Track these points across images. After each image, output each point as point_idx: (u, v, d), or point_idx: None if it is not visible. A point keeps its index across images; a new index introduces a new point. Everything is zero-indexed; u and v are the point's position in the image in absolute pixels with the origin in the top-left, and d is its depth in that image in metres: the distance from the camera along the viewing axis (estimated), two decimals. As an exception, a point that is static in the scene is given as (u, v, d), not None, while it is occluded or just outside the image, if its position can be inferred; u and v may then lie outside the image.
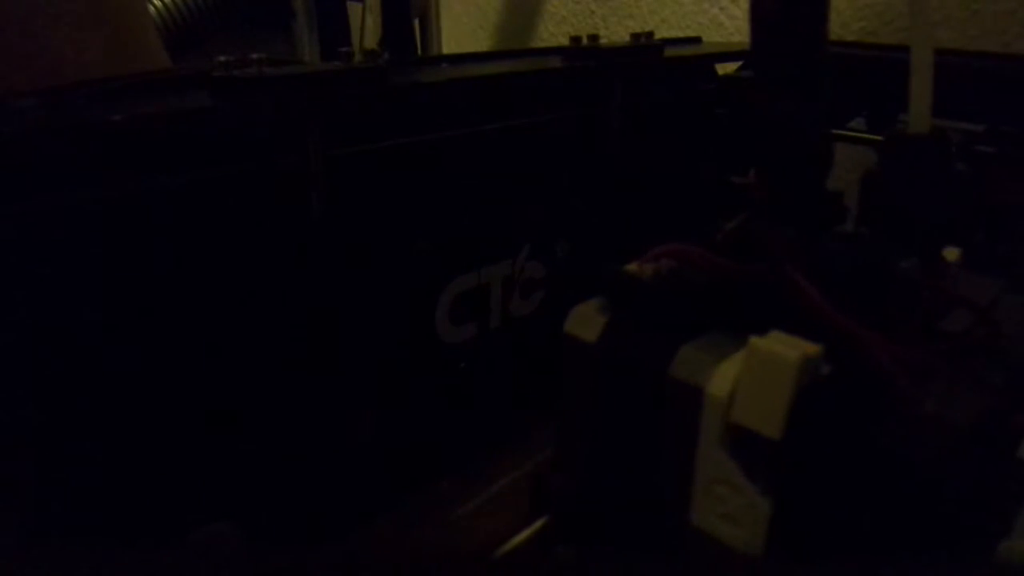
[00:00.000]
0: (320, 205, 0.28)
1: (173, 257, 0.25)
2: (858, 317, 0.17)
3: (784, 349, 0.16)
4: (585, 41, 0.37)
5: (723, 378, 0.17)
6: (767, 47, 0.20)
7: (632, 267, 0.20)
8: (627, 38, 0.39)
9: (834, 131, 0.26)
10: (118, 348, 0.25)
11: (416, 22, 0.84)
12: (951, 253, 0.22)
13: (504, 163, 0.35)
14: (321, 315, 0.30)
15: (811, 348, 0.16)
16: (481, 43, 0.95)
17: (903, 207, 0.21)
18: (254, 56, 0.26)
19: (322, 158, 0.27)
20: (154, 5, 0.72)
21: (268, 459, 0.29)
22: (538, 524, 0.22)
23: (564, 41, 0.39)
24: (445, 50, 0.91)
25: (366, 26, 0.76)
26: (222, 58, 0.27)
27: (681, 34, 0.53)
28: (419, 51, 0.82)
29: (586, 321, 0.20)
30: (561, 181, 0.38)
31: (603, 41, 0.38)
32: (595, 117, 0.38)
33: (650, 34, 0.40)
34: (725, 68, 0.47)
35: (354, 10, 0.85)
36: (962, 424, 0.16)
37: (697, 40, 0.51)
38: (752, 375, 0.16)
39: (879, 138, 0.37)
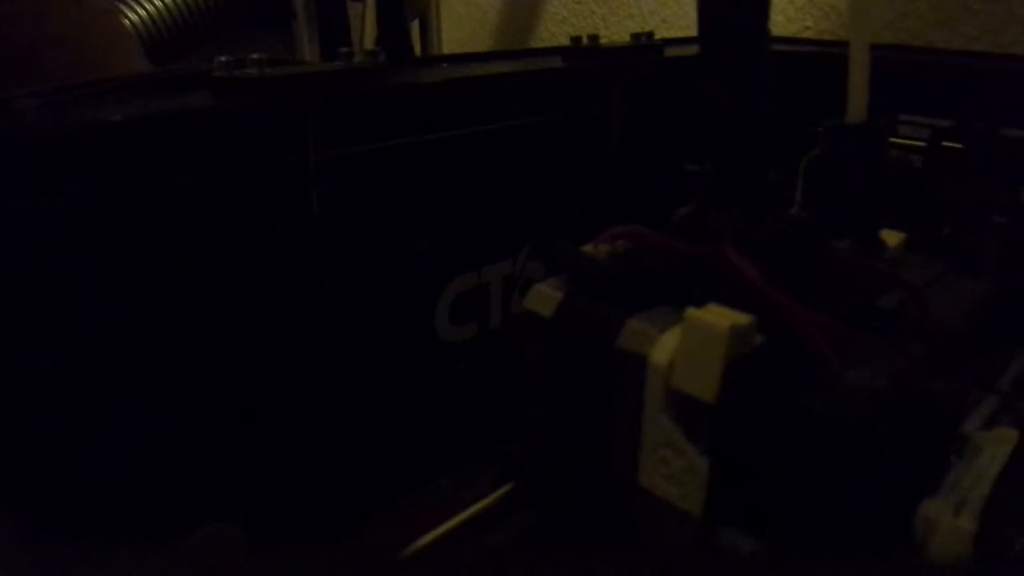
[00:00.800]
0: (320, 205, 0.28)
1: (173, 257, 0.25)
2: (794, 293, 0.18)
3: (716, 319, 0.17)
4: (585, 41, 0.37)
5: (664, 347, 0.18)
6: (712, 43, 0.22)
7: (588, 248, 0.21)
8: (627, 38, 0.39)
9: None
10: (118, 348, 0.25)
11: (416, 22, 0.84)
12: (895, 237, 0.23)
13: (504, 163, 0.35)
14: (321, 315, 0.30)
15: (742, 319, 0.17)
16: (481, 43, 0.95)
17: (840, 191, 0.22)
18: (254, 56, 0.26)
19: (322, 158, 0.27)
20: (154, 5, 0.72)
21: (269, 459, 0.29)
22: (503, 490, 0.24)
23: (564, 41, 0.39)
24: (445, 50, 0.91)
25: (366, 26, 0.76)
26: (222, 58, 0.27)
27: (681, 34, 0.53)
28: (419, 51, 0.82)
29: (543, 298, 0.21)
30: (561, 181, 0.38)
31: (603, 41, 0.38)
32: (595, 117, 0.38)
33: (650, 34, 0.40)
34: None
35: (354, 10, 0.85)
36: (879, 389, 0.17)
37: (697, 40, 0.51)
38: (688, 344, 0.18)
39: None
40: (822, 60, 0.43)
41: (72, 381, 0.24)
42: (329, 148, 0.28)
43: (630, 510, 0.20)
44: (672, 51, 0.41)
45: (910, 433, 0.18)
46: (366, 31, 0.77)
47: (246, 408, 0.28)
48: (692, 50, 0.45)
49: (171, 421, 0.26)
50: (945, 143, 0.35)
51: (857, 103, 0.22)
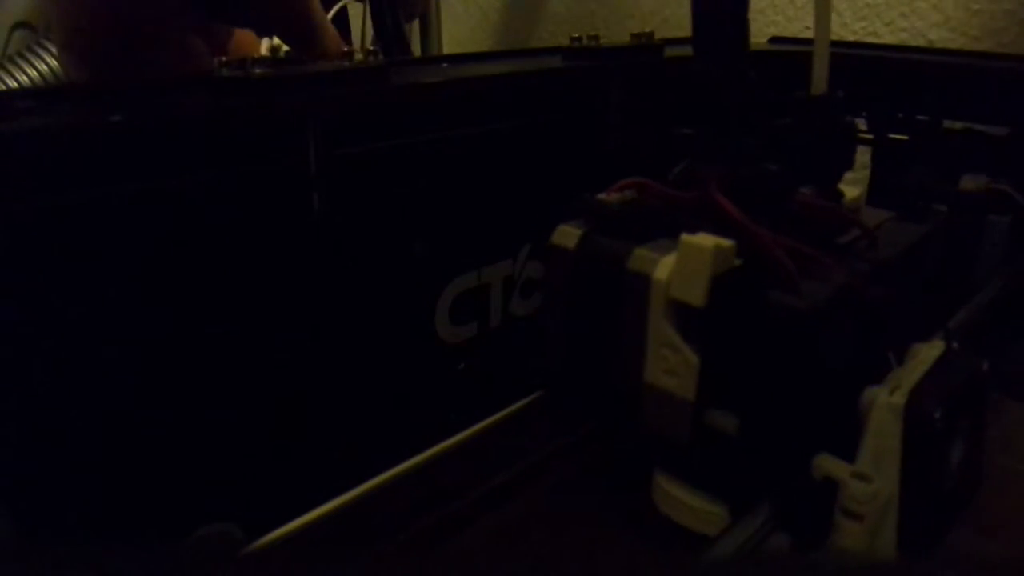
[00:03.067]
0: (320, 205, 0.28)
1: (173, 257, 0.25)
2: (768, 228, 0.23)
3: (704, 241, 0.22)
4: (585, 41, 0.37)
5: (664, 266, 0.23)
6: (702, 30, 0.27)
7: (601, 195, 0.27)
8: (627, 38, 0.39)
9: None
10: (118, 348, 0.25)
11: (416, 22, 0.84)
12: (854, 190, 0.28)
13: (504, 163, 0.35)
14: (321, 315, 0.30)
15: (724, 242, 0.22)
16: (481, 43, 0.95)
17: (804, 149, 0.28)
18: (254, 56, 0.26)
19: (322, 158, 0.27)
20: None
21: (268, 459, 0.29)
22: (522, 403, 0.29)
23: (564, 41, 0.39)
24: (445, 50, 0.91)
25: (366, 26, 0.76)
26: (222, 58, 0.27)
27: (681, 34, 0.53)
28: (419, 51, 0.82)
29: (567, 234, 0.26)
30: (561, 181, 0.38)
31: (603, 41, 0.38)
32: (595, 117, 0.38)
33: (650, 34, 0.40)
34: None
35: (354, 10, 0.85)
36: (830, 291, 0.22)
37: (697, 40, 0.51)
38: (684, 261, 0.22)
39: (872, 137, 0.41)
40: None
41: (71, 381, 0.24)
42: (329, 148, 0.28)
43: (637, 401, 0.25)
44: (672, 51, 0.41)
45: (854, 326, 0.24)
46: (367, 31, 0.77)
47: (246, 408, 0.28)
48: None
49: (171, 421, 0.26)
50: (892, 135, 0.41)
51: (819, 76, 0.27)
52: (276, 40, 0.41)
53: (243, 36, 0.39)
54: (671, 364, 0.23)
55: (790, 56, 0.46)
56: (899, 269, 0.26)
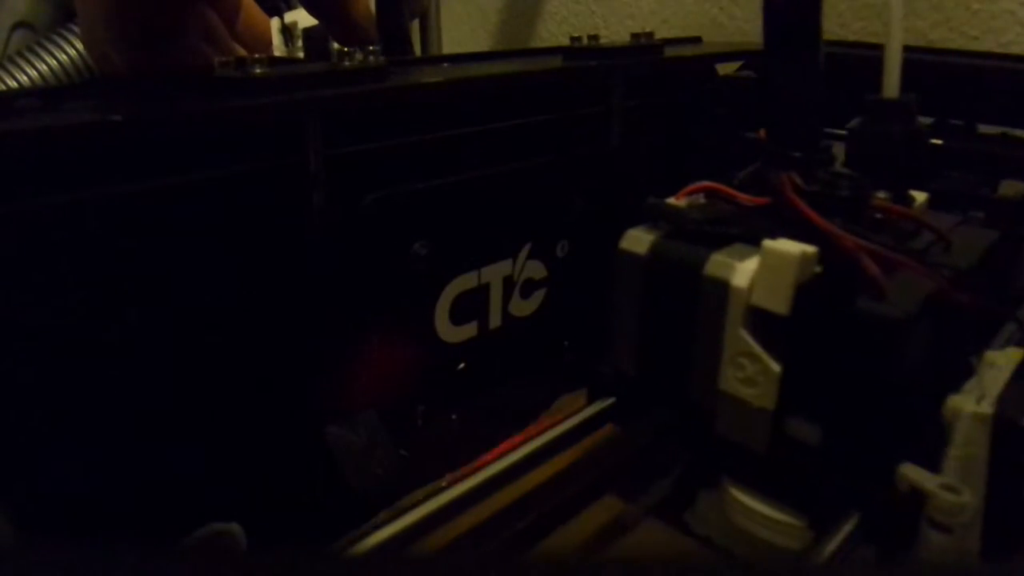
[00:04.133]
0: (320, 205, 0.28)
1: (173, 258, 0.25)
2: (844, 231, 0.23)
3: (789, 247, 0.22)
4: (585, 41, 0.37)
5: (744, 273, 0.23)
6: (774, 34, 0.27)
7: (671, 200, 0.26)
8: (627, 38, 0.39)
9: (835, 130, 0.30)
10: (119, 348, 0.25)
11: (416, 22, 0.84)
12: (921, 195, 0.28)
13: (504, 163, 0.35)
14: (321, 314, 0.30)
15: (808, 248, 0.22)
16: (481, 43, 0.95)
17: (878, 154, 0.27)
18: (254, 56, 0.26)
19: (322, 158, 0.27)
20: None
21: (269, 459, 0.29)
22: (594, 407, 0.28)
23: (564, 41, 0.39)
24: (445, 50, 0.91)
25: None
26: (222, 58, 0.27)
27: (681, 34, 0.53)
28: (419, 51, 0.82)
29: (637, 240, 0.26)
30: (561, 181, 0.38)
31: (603, 41, 0.38)
32: (595, 117, 0.38)
33: (650, 34, 0.40)
34: (725, 68, 0.47)
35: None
36: (920, 300, 0.22)
37: (697, 40, 0.51)
38: (766, 267, 0.22)
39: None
40: (859, 61, 0.43)
41: (72, 381, 0.24)
42: (329, 148, 0.28)
43: (710, 411, 0.24)
44: (672, 51, 0.41)
45: (940, 333, 0.23)
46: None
47: (246, 407, 0.28)
48: (692, 50, 0.45)
49: (171, 421, 0.26)
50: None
51: (892, 81, 0.27)
52: (289, 18, 0.40)
53: (252, 11, 0.38)
54: (749, 373, 0.23)
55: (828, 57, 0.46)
56: (977, 275, 0.25)
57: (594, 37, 0.38)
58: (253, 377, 0.28)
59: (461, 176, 0.33)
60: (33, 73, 0.56)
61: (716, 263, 0.23)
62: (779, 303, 0.22)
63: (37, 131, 0.22)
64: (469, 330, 0.35)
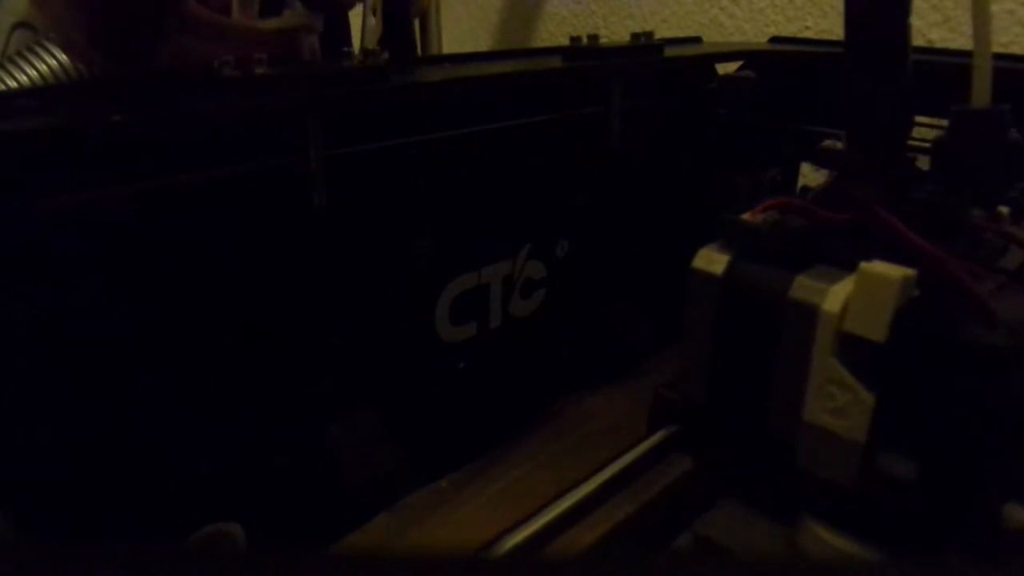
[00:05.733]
0: (321, 205, 0.28)
1: (174, 257, 0.25)
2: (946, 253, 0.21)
3: (889, 270, 0.20)
4: (585, 41, 0.37)
5: (835, 297, 0.21)
6: (859, 37, 0.25)
7: (746, 216, 0.24)
8: (627, 38, 0.39)
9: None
10: (120, 347, 0.25)
11: (416, 22, 0.84)
12: (1004, 210, 0.26)
13: (504, 163, 0.35)
14: (321, 314, 0.30)
15: (909, 271, 0.20)
16: (481, 43, 0.95)
17: (968, 168, 0.25)
18: (254, 56, 0.26)
19: (322, 158, 0.27)
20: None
21: (269, 459, 0.29)
22: (657, 437, 0.26)
23: (564, 41, 0.39)
24: (445, 50, 0.91)
25: (366, 26, 0.76)
26: (223, 58, 0.27)
27: (681, 34, 0.53)
28: (419, 51, 0.82)
29: (712, 259, 0.24)
30: (561, 181, 0.38)
31: (603, 41, 0.38)
32: (595, 117, 0.38)
33: (650, 34, 0.40)
34: (725, 68, 0.47)
35: (354, 10, 0.85)
36: None
37: (697, 40, 0.51)
38: (862, 291, 0.20)
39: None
40: (821, 59, 0.43)
41: (72, 381, 0.24)
42: (329, 148, 0.28)
43: (792, 443, 0.23)
44: (672, 51, 0.41)
45: None
46: (366, 31, 0.77)
47: (246, 407, 0.28)
48: (692, 50, 0.45)
49: (171, 421, 0.26)
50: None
51: (981, 89, 0.25)
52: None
53: None
54: (839, 403, 0.21)
55: (790, 56, 0.46)
56: None
57: (594, 37, 0.37)
58: (253, 376, 0.28)
59: (461, 176, 0.33)
60: (33, 73, 0.56)
61: (803, 286, 0.22)
62: (876, 330, 0.20)
63: (37, 131, 0.22)
64: (469, 330, 0.35)
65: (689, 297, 0.25)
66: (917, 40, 0.61)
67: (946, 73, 0.26)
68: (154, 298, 0.25)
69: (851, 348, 0.21)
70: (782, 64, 0.45)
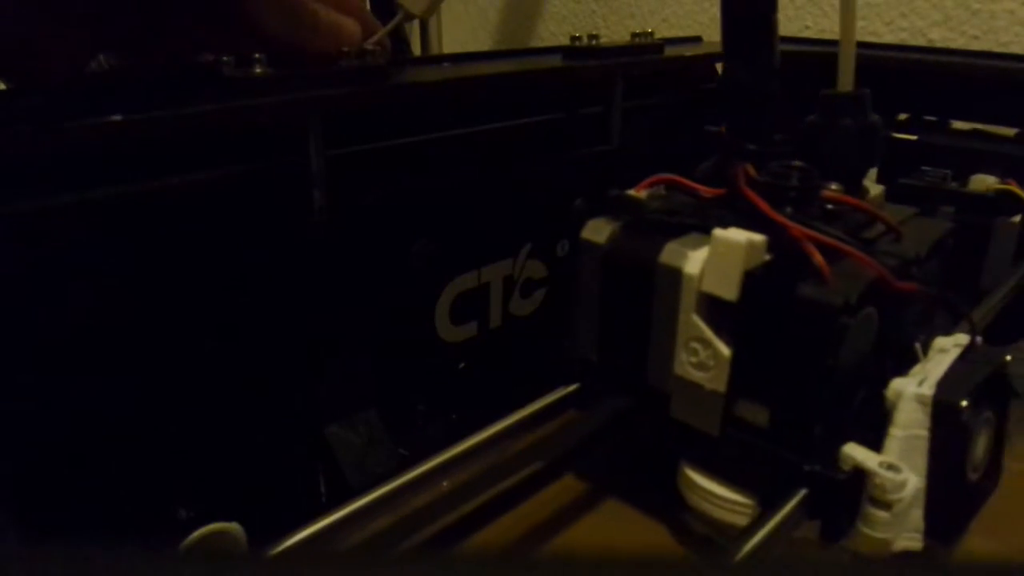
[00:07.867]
0: (321, 205, 0.28)
1: (174, 257, 0.25)
2: (796, 222, 0.24)
3: (737, 235, 0.23)
4: (585, 41, 0.37)
5: (695, 261, 0.23)
6: (732, 29, 0.28)
7: (631, 191, 0.27)
8: (627, 38, 0.39)
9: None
10: (119, 347, 0.25)
11: (416, 22, 0.84)
12: (876, 188, 0.29)
13: (504, 163, 0.35)
14: (321, 314, 0.30)
15: (756, 236, 0.23)
16: (481, 43, 0.95)
17: (831, 146, 0.28)
18: (254, 56, 0.26)
19: (322, 158, 0.27)
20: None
21: (269, 459, 0.29)
22: (555, 393, 0.29)
23: (564, 41, 0.39)
24: (445, 50, 0.91)
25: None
26: (223, 58, 0.27)
27: (681, 34, 0.53)
28: (419, 51, 0.82)
29: (598, 229, 0.27)
30: (561, 181, 0.37)
31: (603, 41, 0.38)
32: (595, 117, 0.38)
33: (650, 34, 0.40)
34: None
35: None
36: (861, 287, 0.22)
37: (697, 40, 0.51)
38: (716, 255, 0.23)
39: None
40: (821, 58, 0.43)
41: (72, 381, 0.24)
42: (330, 148, 0.28)
43: (668, 395, 0.25)
44: (672, 51, 0.41)
45: (882, 319, 0.24)
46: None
47: (246, 407, 0.28)
48: (692, 50, 0.45)
49: (171, 421, 0.26)
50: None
51: (846, 74, 0.28)
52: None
53: None
54: (701, 357, 0.24)
55: (790, 55, 0.46)
56: (925, 265, 0.26)
57: (594, 37, 0.37)
58: (253, 377, 0.28)
59: (461, 176, 0.33)
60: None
61: (670, 251, 0.24)
62: (728, 289, 0.23)
63: (36, 132, 0.22)
64: (469, 330, 0.35)
65: (577, 265, 0.27)
66: (917, 40, 0.61)
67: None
68: (153, 298, 0.25)
69: (710, 307, 0.23)
70: (782, 64, 0.45)
